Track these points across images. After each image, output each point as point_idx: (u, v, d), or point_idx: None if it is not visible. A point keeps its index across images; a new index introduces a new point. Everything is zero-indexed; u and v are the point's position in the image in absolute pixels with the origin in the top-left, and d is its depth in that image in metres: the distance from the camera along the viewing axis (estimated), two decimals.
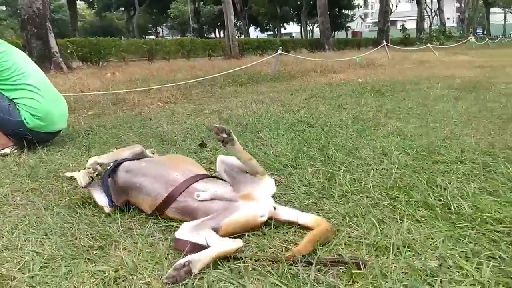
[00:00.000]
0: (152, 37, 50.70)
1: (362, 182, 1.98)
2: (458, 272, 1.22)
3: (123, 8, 52.89)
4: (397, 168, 2.15)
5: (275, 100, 4.93)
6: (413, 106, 4.10)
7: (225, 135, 1.50)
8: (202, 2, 47.25)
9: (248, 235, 1.48)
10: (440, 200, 1.73)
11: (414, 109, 3.94)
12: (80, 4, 49.04)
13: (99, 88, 6.65)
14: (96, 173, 1.75)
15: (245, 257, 1.30)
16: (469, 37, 23.87)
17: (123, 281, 1.25)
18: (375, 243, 1.38)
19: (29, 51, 10.85)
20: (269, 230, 1.51)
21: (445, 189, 1.85)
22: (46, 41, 10.87)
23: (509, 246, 1.34)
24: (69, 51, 12.50)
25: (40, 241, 1.51)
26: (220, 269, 1.26)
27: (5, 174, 2.41)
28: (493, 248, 1.33)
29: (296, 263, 1.25)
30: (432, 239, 1.42)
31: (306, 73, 8.48)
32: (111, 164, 1.78)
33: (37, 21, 10.81)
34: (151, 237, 1.52)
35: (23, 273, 1.30)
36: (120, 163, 1.77)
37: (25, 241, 1.52)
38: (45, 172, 2.38)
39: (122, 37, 28.52)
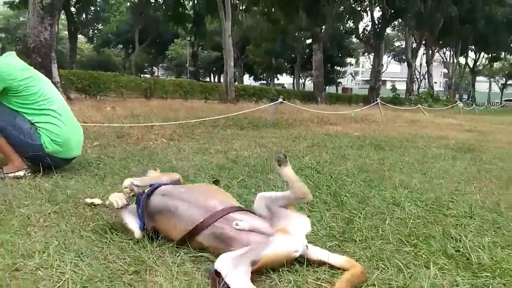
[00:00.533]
0: (147, 75, 51.53)
1: (379, 229, 2.05)
2: None
3: (121, 46, 53.97)
4: (411, 218, 2.23)
5: (278, 146, 5.04)
6: (413, 162, 4.23)
7: (282, 156, 1.60)
8: (201, 47, 48.48)
9: (281, 272, 1.52)
10: (458, 251, 1.80)
11: (415, 165, 4.07)
12: (80, 38, 49.91)
13: (101, 121, 6.71)
14: (132, 193, 1.79)
15: None
16: (457, 102, 24.80)
17: None
18: (405, 285, 1.44)
19: None
20: (301, 267, 1.55)
21: (460, 241, 1.92)
22: (49, 70, 11.00)
23: None
24: (63, 82, 12.62)
25: (74, 262, 1.53)
26: None
27: (22, 196, 2.42)
28: None
29: None
30: (457, 286, 1.48)
31: (303, 123, 8.68)
32: (148, 187, 1.83)
33: (42, 50, 11.01)
34: (184, 265, 1.55)
35: None
36: (157, 187, 1.82)
37: (59, 261, 1.53)
38: (63, 197, 2.40)
39: (118, 73, 28.97)
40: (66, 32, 38.21)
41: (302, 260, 1.58)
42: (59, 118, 2.96)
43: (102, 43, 51.42)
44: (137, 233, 1.74)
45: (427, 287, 1.42)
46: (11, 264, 1.49)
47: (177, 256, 1.61)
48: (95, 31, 50.61)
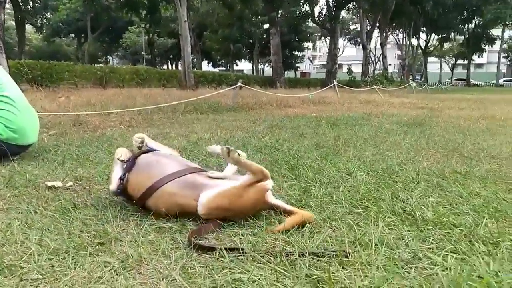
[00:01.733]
0: (102, 65, 49.91)
1: (333, 196, 2.18)
2: (428, 261, 1.42)
3: (73, 35, 51.96)
4: (363, 185, 2.38)
5: (239, 128, 5.12)
6: (367, 138, 4.43)
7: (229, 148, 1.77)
8: (156, 34, 47.47)
9: (242, 234, 1.61)
10: (405, 210, 1.95)
11: (369, 140, 4.26)
12: (28, 28, 47.60)
13: (56, 110, 6.55)
14: (140, 145, 2.00)
15: (245, 249, 1.43)
16: (411, 82, 25.64)
17: (131, 270, 1.33)
18: (356, 239, 1.56)
19: None
20: (260, 230, 1.65)
21: (407, 202, 2.08)
22: None
23: (468, 244, 1.57)
24: (12, 73, 12.10)
25: (38, 238, 1.56)
26: (223, 259, 1.38)
27: None
28: (455, 244, 1.55)
29: (292, 254, 1.40)
30: (403, 239, 1.62)
31: (263, 106, 8.80)
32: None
33: None
34: (148, 235, 1.61)
35: (29, 264, 1.35)
36: (154, 150, 2.02)
37: (23, 238, 1.55)
38: (22, 182, 2.38)
39: (72, 62, 27.96)
40: (13, 22, 36.38)
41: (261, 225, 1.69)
42: (13, 104, 2.90)
43: (52, 32, 49.24)
44: (113, 185, 1.87)
45: (375, 240, 1.55)
46: None
47: (141, 228, 1.67)
48: (44, 20, 48.35)
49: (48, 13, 47.16)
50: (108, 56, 62.58)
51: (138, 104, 7.71)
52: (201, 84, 20.09)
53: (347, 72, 35.93)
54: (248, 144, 3.82)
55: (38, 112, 5.93)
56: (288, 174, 2.65)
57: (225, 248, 1.44)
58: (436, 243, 1.58)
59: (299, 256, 1.40)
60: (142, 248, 1.47)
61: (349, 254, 1.41)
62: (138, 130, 4.96)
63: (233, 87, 8.64)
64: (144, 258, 1.40)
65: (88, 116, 5.77)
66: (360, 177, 2.58)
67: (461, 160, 3.24)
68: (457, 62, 68.32)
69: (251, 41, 46.81)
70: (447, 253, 1.47)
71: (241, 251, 1.43)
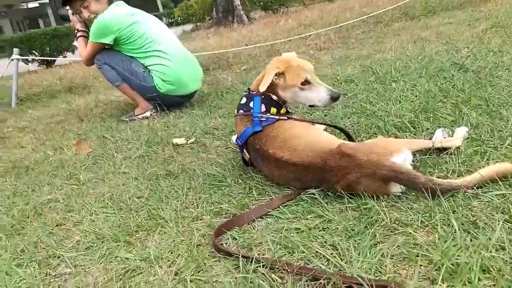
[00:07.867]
0: None
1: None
2: None
3: None
4: None
5: (441, 37, 4.11)
6: None
7: None
8: None
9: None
10: None
11: None
12: None
13: (265, 38, 6.76)
14: None
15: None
16: None
17: (138, 274, 1.22)
18: None
19: (215, 6, 11.75)
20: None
21: None
22: None
23: None
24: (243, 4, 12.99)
25: (104, 217, 1.61)
26: None
27: (133, 138, 2.67)
28: None
29: None
30: None
31: None
32: None
33: None
34: (199, 220, 1.45)
35: (68, 253, 1.40)
36: None
37: (94, 215, 1.64)
38: (161, 138, 2.53)
39: None
40: None
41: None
42: (166, 57, 3.04)
43: None
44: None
45: None
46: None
47: (197, 210, 1.50)
48: None
49: None
50: None
51: (346, 17, 7.19)
52: None
53: None
54: (430, 64, 2.99)
55: (246, 45, 6.29)
56: (446, 116, 1.94)
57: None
58: None
59: None
60: (172, 244, 1.33)
61: None
62: (325, 54, 4.62)
63: None
64: (162, 259, 1.25)
65: (284, 43, 5.72)
66: None
67: None
68: None
69: None
70: None
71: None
